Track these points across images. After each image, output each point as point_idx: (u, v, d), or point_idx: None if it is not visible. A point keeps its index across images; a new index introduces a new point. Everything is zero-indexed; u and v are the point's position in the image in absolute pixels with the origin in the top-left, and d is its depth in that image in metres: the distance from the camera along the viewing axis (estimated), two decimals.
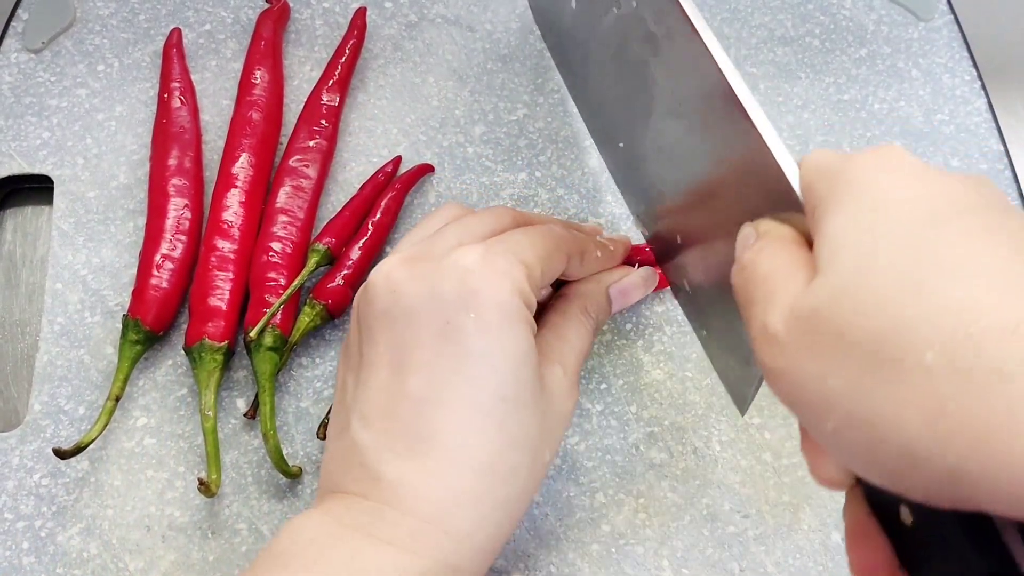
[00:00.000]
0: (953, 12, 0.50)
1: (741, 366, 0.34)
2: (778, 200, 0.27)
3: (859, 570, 0.24)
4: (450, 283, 0.30)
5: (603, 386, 0.40)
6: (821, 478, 0.24)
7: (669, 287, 0.41)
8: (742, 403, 0.35)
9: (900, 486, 0.20)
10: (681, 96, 0.32)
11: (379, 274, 0.32)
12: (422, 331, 0.30)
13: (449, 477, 0.29)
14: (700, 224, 0.35)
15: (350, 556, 0.28)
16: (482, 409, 0.30)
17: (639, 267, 0.39)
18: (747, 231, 0.27)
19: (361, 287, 0.33)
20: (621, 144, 0.41)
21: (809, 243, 0.25)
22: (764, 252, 0.25)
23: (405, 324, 0.30)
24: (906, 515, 0.22)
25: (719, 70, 0.28)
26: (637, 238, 0.42)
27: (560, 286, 0.38)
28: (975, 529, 0.20)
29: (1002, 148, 0.46)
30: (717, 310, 0.35)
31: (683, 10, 0.29)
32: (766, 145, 0.27)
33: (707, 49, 0.29)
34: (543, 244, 0.33)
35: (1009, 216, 0.21)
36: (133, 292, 0.40)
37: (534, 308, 0.32)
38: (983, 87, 0.48)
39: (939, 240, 0.20)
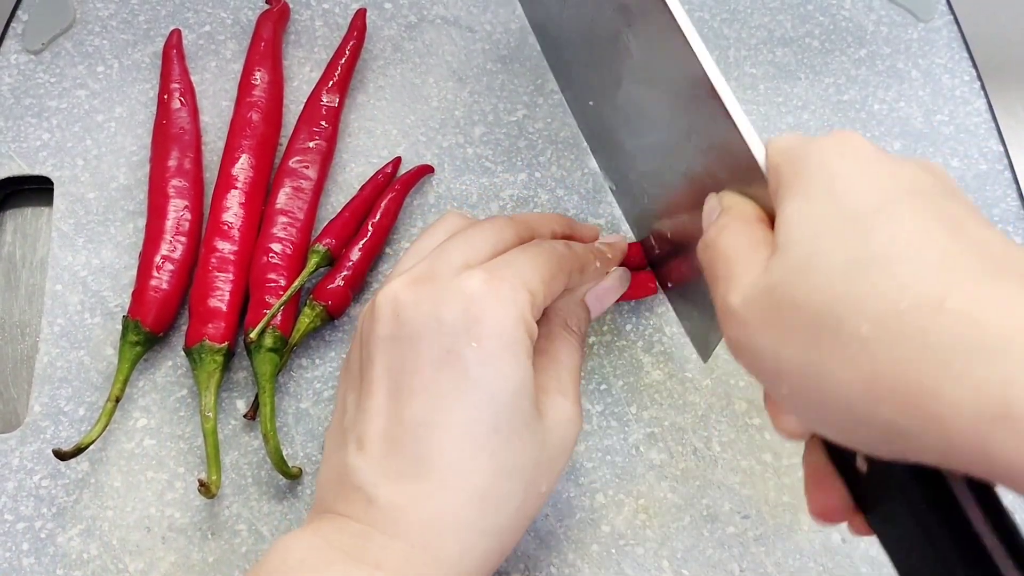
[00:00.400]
0: (953, 12, 0.50)
1: (705, 318, 0.36)
2: (744, 175, 0.28)
3: (817, 512, 0.27)
4: (454, 309, 0.30)
5: (603, 387, 0.40)
6: (782, 431, 0.27)
7: (657, 287, 0.41)
8: (705, 351, 0.38)
9: (848, 441, 0.23)
10: (652, 69, 0.33)
11: (385, 296, 0.32)
12: (422, 356, 0.30)
13: (440, 503, 0.29)
14: (674, 186, 0.35)
15: None
16: (476, 437, 0.30)
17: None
18: (712, 203, 0.29)
19: (367, 306, 0.33)
20: (591, 102, 0.41)
21: (770, 217, 0.26)
22: (727, 231, 0.27)
23: (407, 348, 0.30)
24: (861, 463, 0.25)
25: (692, 53, 0.29)
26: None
27: None
28: (923, 473, 0.22)
29: (1002, 149, 0.46)
30: (684, 266, 0.37)
31: None
32: (736, 127, 0.28)
33: (680, 30, 0.29)
34: (547, 267, 0.33)
35: (949, 200, 0.24)
36: (133, 293, 0.40)
37: (535, 335, 0.32)
38: (983, 87, 0.48)
39: (880, 225, 0.22)
